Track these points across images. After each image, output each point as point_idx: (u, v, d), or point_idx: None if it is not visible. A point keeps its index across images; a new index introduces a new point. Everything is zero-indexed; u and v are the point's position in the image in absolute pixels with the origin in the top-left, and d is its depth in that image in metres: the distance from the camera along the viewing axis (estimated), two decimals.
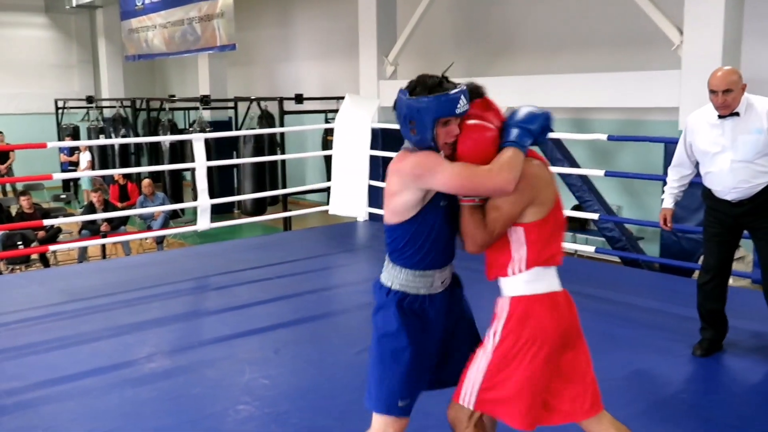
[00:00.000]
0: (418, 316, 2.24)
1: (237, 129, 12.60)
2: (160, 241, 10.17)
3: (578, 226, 8.88)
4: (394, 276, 2.28)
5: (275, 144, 11.51)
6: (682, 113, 6.42)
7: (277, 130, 10.55)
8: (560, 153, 7.67)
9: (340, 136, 7.54)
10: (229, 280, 5.54)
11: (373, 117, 7.61)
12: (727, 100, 3.51)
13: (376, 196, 8.48)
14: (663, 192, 4.12)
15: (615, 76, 7.11)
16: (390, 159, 2.36)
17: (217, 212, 7.28)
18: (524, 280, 2.16)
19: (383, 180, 8.03)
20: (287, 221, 10.13)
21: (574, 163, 7.30)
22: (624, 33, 8.70)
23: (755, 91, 3.69)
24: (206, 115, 12.57)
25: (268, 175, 11.66)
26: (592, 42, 9.14)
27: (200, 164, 6.39)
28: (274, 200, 11.68)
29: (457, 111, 2.13)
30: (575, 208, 8.11)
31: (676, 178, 3.94)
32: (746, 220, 3.69)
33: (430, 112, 2.12)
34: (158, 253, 9.11)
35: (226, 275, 5.68)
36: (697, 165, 3.82)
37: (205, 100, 12.19)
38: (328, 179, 8.40)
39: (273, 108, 11.70)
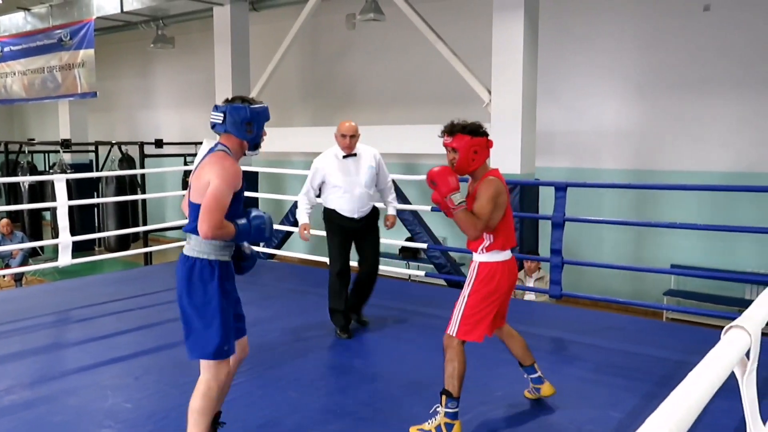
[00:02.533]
0: (230, 277, 2.71)
1: (98, 170, 11.92)
2: (18, 278, 9.36)
3: (411, 254, 9.20)
4: (211, 248, 2.66)
5: (136, 185, 11.02)
6: (492, 159, 6.87)
7: (137, 171, 10.11)
8: (396, 192, 7.92)
9: None
10: (90, 313, 5.22)
11: None
12: (351, 142, 4.46)
13: None
14: None
15: (437, 127, 7.50)
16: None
17: (78, 250, 6.83)
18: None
19: None
20: (148, 257, 9.69)
21: (406, 201, 7.60)
22: (445, 91, 9.22)
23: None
24: (67, 158, 11.79)
25: (130, 214, 11.13)
26: (419, 98, 9.61)
27: (62, 203, 5.99)
28: (135, 238, 11.13)
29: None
30: (408, 239, 8.41)
31: (307, 201, 4.65)
32: (359, 232, 4.61)
33: (265, 116, 2.77)
34: (17, 289, 8.38)
35: (87, 308, 5.34)
36: (319, 193, 4.67)
37: (65, 144, 11.45)
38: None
39: (134, 152, 11.22)
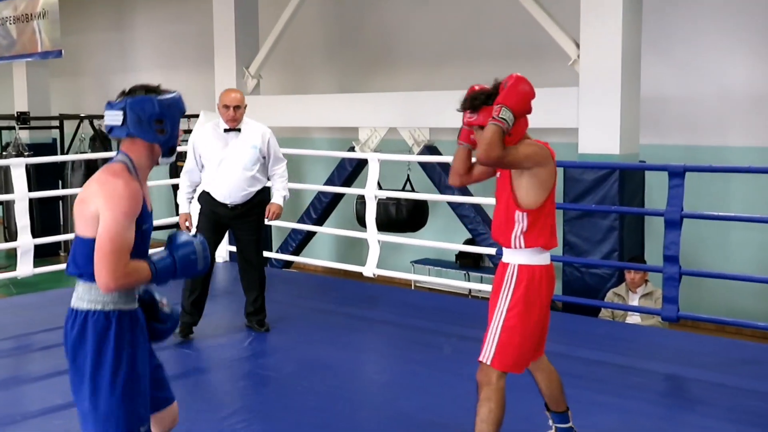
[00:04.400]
0: (138, 330, 2.59)
1: (64, 152, 12.14)
2: None
3: (471, 262, 9.17)
4: (109, 296, 2.52)
5: None
6: (581, 134, 6.82)
7: (114, 153, 10.24)
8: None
9: None
10: (57, 338, 5.25)
11: None
12: (236, 114, 4.97)
13: None
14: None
15: None
16: None
17: (38, 255, 6.96)
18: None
19: None
20: None
21: (466, 191, 7.56)
22: (515, 45, 9.14)
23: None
24: (24, 135, 12.04)
25: None
26: (480, 54, 9.54)
27: (20, 196, 6.13)
28: None
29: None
30: (468, 242, 8.38)
31: (188, 182, 5.20)
32: (234, 222, 5.15)
33: (179, 109, 2.71)
34: None
35: (52, 332, 5.43)
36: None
37: (22, 118, 11.69)
38: (177, 212, 8.25)
39: None
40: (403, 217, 8.63)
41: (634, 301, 6.40)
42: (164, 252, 2.57)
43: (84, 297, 2.53)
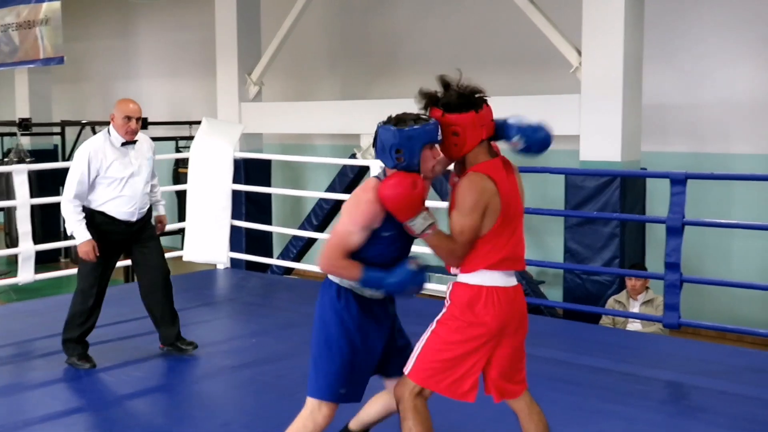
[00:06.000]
0: (365, 314, 3.00)
1: (65, 159, 12.17)
2: None
3: None
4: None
5: None
6: (583, 142, 6.83)
7: None
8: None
9: (196, 167, 7.47)
10: (58, 345, 5.31)
11: (235, 145, 7.59)
12: (137, 127, 4.74)
13: (238, 239, 8.43)
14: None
15: (508, 100, 7.43)
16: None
17: (40, 262, 6.98)
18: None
19: (247, 219, 8.07)
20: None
21: None
22: (518, 52, 9.16)
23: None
24: (25, 142, 12.06)
25: None
26: (484, 62, 9.56)
27: (22, 202, 6.15)
28: None
29: (439, 137, 2.86)
30: None
31: (78, 208, 4.71)
32: (135, 237, 4.90)
33: (420, 139, 2.83)
34: None
35: (54, 338, 5.42)
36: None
37: (24, 125, 11.71)
38: (181, 219, 8.26)
39: None
40: None
41: (635, 308, 6.39)
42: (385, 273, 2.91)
43: None
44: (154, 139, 12.90)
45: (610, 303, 6.42)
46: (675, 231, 5.19)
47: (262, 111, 9.33)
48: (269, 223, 9.05)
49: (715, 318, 7.05)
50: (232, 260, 7.64)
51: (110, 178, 4.68)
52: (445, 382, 2.87)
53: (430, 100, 2.91)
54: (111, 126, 4.77)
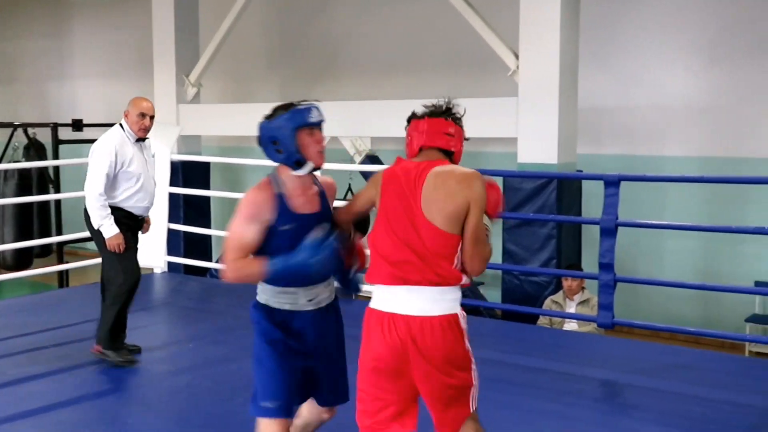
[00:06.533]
0: (282, 329, 2.89)
1: None
2: None
3: None
4: (261, 291, 2.94)
5: (47, 181, 10.97)
6: (520, 144, 6.91)
7: (49, 163, 10.07)
8: None
9: None
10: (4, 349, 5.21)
11: (172, 147, 7.51)
12: (151, 124, 4.84)
13: (176, 243, 8.32)
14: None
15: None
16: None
17: None
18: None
19: (185, 222, 7.98)
20: (63, 276, 9.64)
21: None
22: (457, 55, 9.23)
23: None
24: None
25: (36, 220, 11.07)
26: (423, 65, 9.62)
27: None
28: (45, 250, 11.08)
29: (311, 120, 2.87)
30: None
31: (105, 202, 4.74)
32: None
33: (287, 125, 2.84)
34: None
35: None
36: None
37: None
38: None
39: (44, 136, 11.16)
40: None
41: (572, 308, 6.49)
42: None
43: None
44: (89, 141, 12.70)
45: (548, 303, 6.51)
46: (608, 232, 5.28)
47: (200, 113, 9.23)
48: (208, 226, 8.96)
49: (648, 317, 7.20)
50: (170, 264, 7.55)
51: (130, 173, 4.75)
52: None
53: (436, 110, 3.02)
54: (124, 122, 4.83)
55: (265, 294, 2.93)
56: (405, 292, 2.69)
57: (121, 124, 4.86)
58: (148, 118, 4.82)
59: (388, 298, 2.72)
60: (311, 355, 2.95)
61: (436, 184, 2.74)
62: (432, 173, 2.77)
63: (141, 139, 4.86)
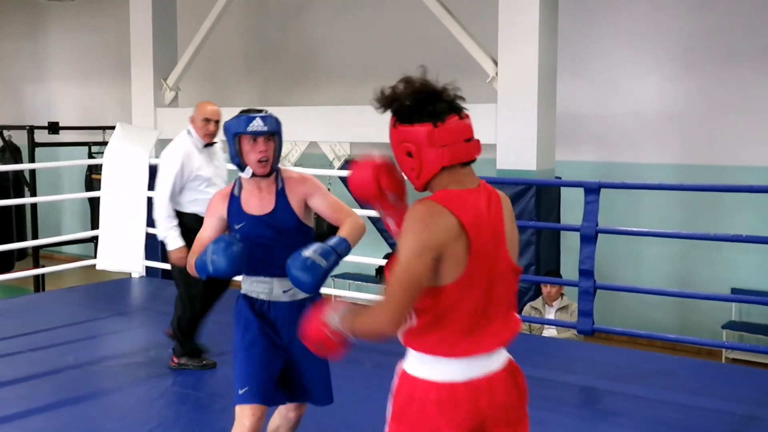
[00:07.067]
0: (260, 318, 2.99)
1: None
2: None
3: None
4: (242, 281, 3.07)
5: (22, 184, 10.87)
6: (499, 150, 6.93)
7: (25, 166, 9.97)
8: None
9: (110, 174, 7.32)
10: None
11: (151, 151, 7.46)
12: (216, 129, 4.67)
13: (154, 247, 8.26)
14: None
15: None
16: None
17: None
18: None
19: None
20: (39, 280, 9.54)
21: None
22: (435, 61, 9.17)
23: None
24: None
25: (14, 223, 10.97)
26: (401, 71, 9.55)
27: None
28: (21, 254, 10.97)
29: (249, 129, 2.98)
30: (388, 256, 8.40)
31: (172, 211, 4.68)
32: None
33: (230, 129, 3.02)
34: None
35: None
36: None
37: None
38: (94, 227, 8.07)
39: (20, 139, 11.06)
40: (323, 230, 8.57)
41: (551, 314, 6.52)
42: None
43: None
44: (65, 144, 12.66)
45: (527, 309, 6.52)
46: (589, 239, 5.29)
47: (178, 116, 9.16)
48: None
49: (624, 323, 7.23)
50: (148, 269, 7.48)
51: (200, 178, 4.71)
52: None
53: (385, 101, 2.13)
54: (191, 128, 4.74)
55: (245, 283, 3.06)
56: None
57: (188, 131, 4.75)
58: (213, 123, 4.69)
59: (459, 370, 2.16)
60: (286, 347, 3.00)
61: (508, 216, 2.14)
62: (503, 198, 2.17)
63: (209, 144, 4.77)
